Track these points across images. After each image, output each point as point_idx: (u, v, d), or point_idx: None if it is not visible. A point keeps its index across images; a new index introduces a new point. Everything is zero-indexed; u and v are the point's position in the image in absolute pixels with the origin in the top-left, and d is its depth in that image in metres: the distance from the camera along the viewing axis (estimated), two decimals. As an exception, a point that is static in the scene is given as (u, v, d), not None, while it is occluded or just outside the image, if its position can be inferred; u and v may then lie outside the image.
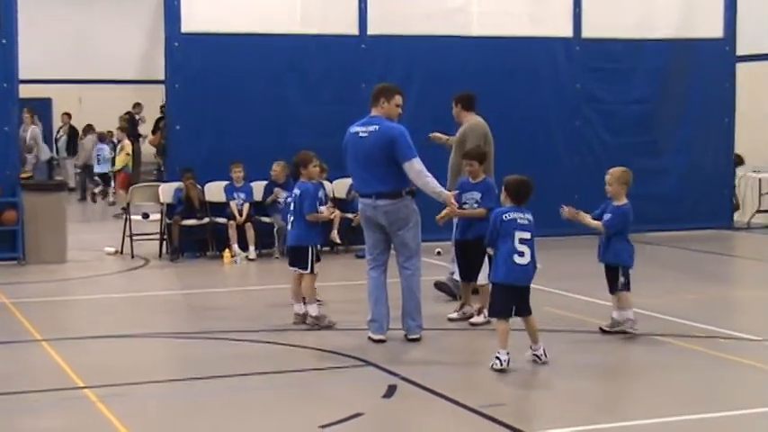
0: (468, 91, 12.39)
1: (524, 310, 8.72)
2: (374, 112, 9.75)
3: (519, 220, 8.67)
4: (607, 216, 9.79)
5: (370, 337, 9.69)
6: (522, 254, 8.58)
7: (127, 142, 22.10)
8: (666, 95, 17.59)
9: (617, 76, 17.42)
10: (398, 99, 9.76)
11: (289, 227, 10.56)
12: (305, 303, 10.42)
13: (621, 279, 9.74)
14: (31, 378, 8.58)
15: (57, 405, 7.81)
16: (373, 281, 9.78)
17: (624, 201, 9.85)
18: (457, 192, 10.16)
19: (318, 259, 10.51)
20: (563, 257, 14.27)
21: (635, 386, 8.36)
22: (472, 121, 12.11)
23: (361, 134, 9.64)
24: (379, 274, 9.78)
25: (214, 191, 15.42)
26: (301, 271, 10.40)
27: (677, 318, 10.59)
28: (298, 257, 10.44)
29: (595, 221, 9.79)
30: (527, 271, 8.67)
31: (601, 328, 9.94)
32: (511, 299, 8.62)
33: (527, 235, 8.64)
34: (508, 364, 8.53)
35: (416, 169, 9.45)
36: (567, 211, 9.79)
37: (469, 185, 10.52)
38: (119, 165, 21.93)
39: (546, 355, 8.78)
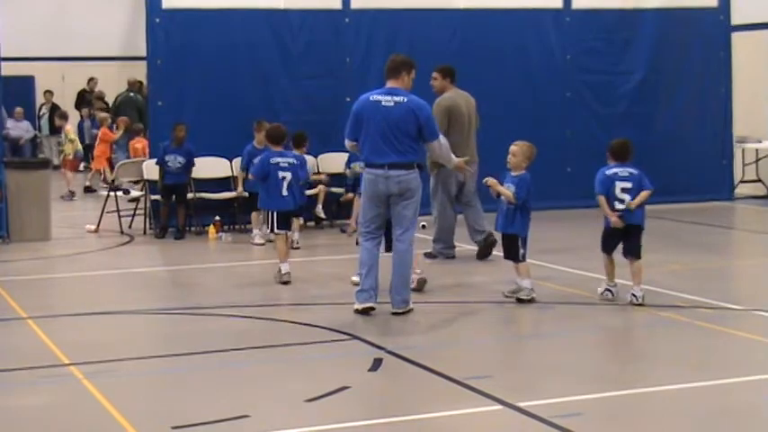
0: (447, 64, 12.76)
1: (631, 251, 9.95)
2: (393, 84, 9.72)
3: (620, 173, 9.92)
4: (511, 187, 10.05)
5: (356, 309, 9.67)
6: (622, 201, 9.87)
7: (69, 128, 21.91)
8: (659, 66, 17.48)
9: (608, 46, 17.30)
10: (414, 74, 9.88)
11: (285, 192, 11.31)
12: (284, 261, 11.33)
13: (521, 250, 10.05)
14: (16, 356, 8.58)
15: (43, 382, 7.80)
16: (367, 252, 9.73)
17: (523, 171, 10.13)
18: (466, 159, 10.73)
19: None
20: (552, 230, 14.26)
21: (621, 357, 8.39)
22: (448, 94, 12.42)
23: (384, 102, 9.59)
24: (374, 246, 9.76)
25: (201, 166, 15.29)
26: (290, 232, 11.65)
27: (662, 288, 10.61)
28: (289, 220, 11.59)
29: (507, 191, 10.06)
30: (625, 214, 9.86)
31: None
32: (615, 237, 9.97)
33: (628, 185, 9.87)
34: (612, 294, 9.97)
35: (443, 144, 9.89)
36: (490, 182, 10.17)
37: None
38: (68, 153, 21.59)
39: (638, 298, 9.79)
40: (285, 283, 11.13)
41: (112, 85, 26.93)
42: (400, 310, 9.67)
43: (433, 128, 9.76)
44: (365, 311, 9.65)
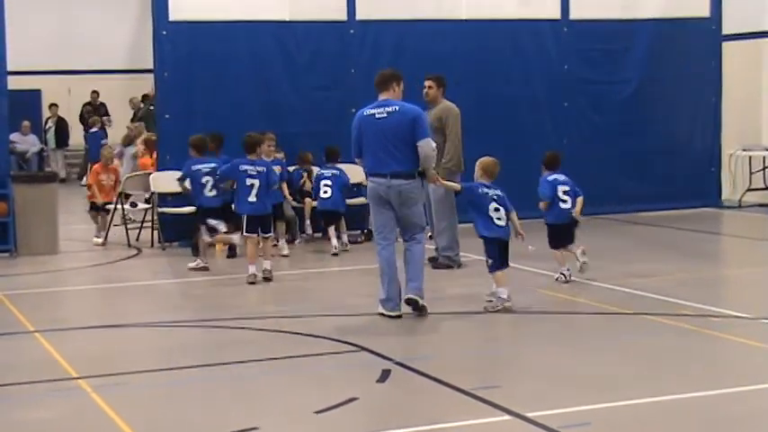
0: (440, 74, 12.91)
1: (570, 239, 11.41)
2: (385, 96, 10.04)
3: (559, 179, 11.31)
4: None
5: (382, 314, 9.91)
6: (564, 201, 11.34)
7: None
8: (653, 75, 17.67)
9: (605, 56, 17.49)
10: (402, 85, 10.18)
11: (253, 198, 12.06)
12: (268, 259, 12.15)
13: (489, 260, 10.29)
14: (24, 370, 8.58)
15: (51, 396, 7.81)
16: (386, 260, 9.97)
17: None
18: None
19: None
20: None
21: (628, 366, 8.38)
22: (448, 103, 12.48)
23: (377, 115, 9.94)
24: (391, 253, 10.00)
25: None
26: (268, 235, 12.28)
27: (667, 297, 10.62)
28: (269, 224, 12.32)
29: (450, 183, 10.90)
30: (567, 213, 11.42)
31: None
32: (560, 234, 11.52)
33: (567, 188, 11.24)
34: (566, 277, 11.29)
35: (432, 146, 9.97)
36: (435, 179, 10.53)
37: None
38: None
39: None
40: (251, 283, 11.92)
41: (119, 97, 27.01)
42: (413, 295, 9.87)
43: (423, 127, 10.00)
44: (395, 318, 9.87)
